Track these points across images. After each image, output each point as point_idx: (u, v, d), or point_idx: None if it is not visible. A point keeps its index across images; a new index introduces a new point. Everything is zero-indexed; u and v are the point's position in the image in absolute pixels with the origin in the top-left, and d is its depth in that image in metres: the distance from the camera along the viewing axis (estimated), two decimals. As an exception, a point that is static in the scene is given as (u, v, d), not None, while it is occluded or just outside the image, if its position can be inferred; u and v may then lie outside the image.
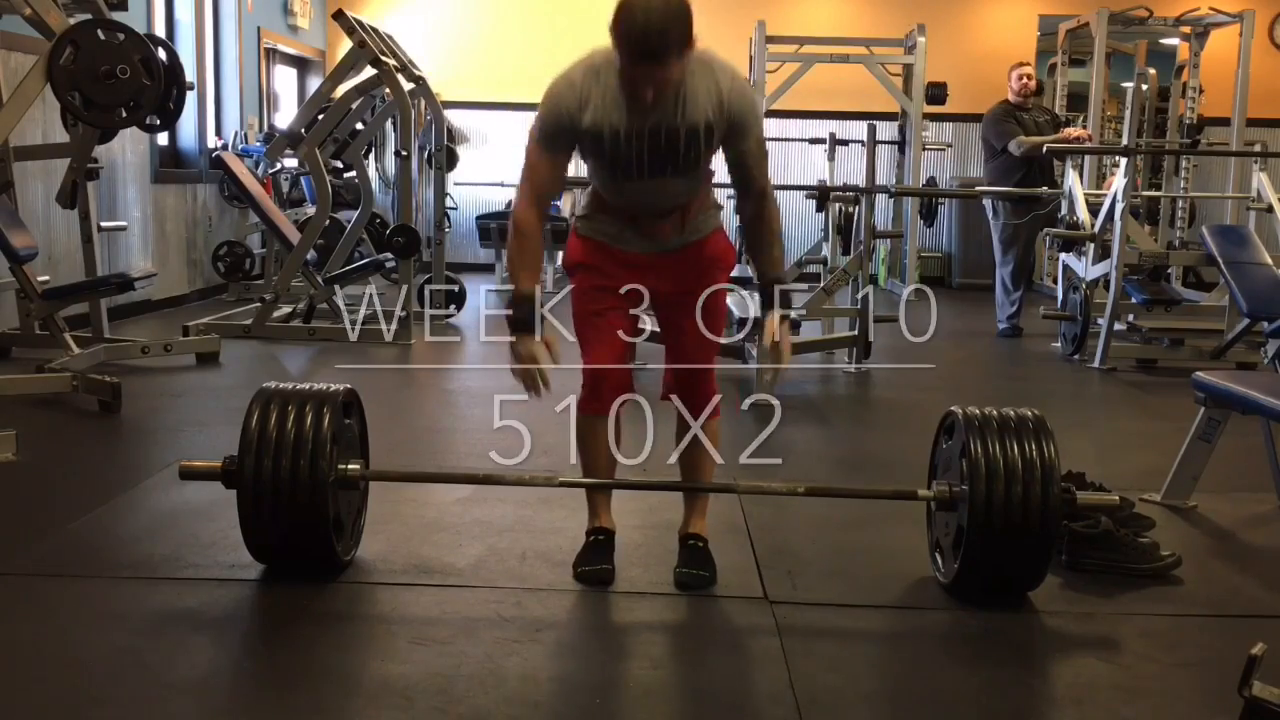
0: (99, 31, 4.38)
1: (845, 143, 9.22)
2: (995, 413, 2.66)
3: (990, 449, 2.57)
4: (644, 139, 2.54)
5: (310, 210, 7.89)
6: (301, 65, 10.62)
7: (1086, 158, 8.23)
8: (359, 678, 2.33)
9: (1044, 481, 2.54)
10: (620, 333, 2.78)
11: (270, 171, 8.32)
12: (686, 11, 2.42)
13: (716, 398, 2.84)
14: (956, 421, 2.67)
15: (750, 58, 9.53)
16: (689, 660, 2.51)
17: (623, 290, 2.74)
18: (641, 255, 2.73)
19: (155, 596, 2.70)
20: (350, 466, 2.71)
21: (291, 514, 2.58)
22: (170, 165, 8.05)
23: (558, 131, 2.58)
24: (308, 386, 2.71)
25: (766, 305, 2.68)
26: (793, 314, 2.73)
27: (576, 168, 2.89)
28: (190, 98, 5.34)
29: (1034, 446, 2.58)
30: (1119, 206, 6.09)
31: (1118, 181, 6.22)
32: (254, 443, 2.58)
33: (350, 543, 2.82)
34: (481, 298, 7.63)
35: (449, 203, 9.37)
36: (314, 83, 10.04)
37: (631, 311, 2.80)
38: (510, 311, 2.64)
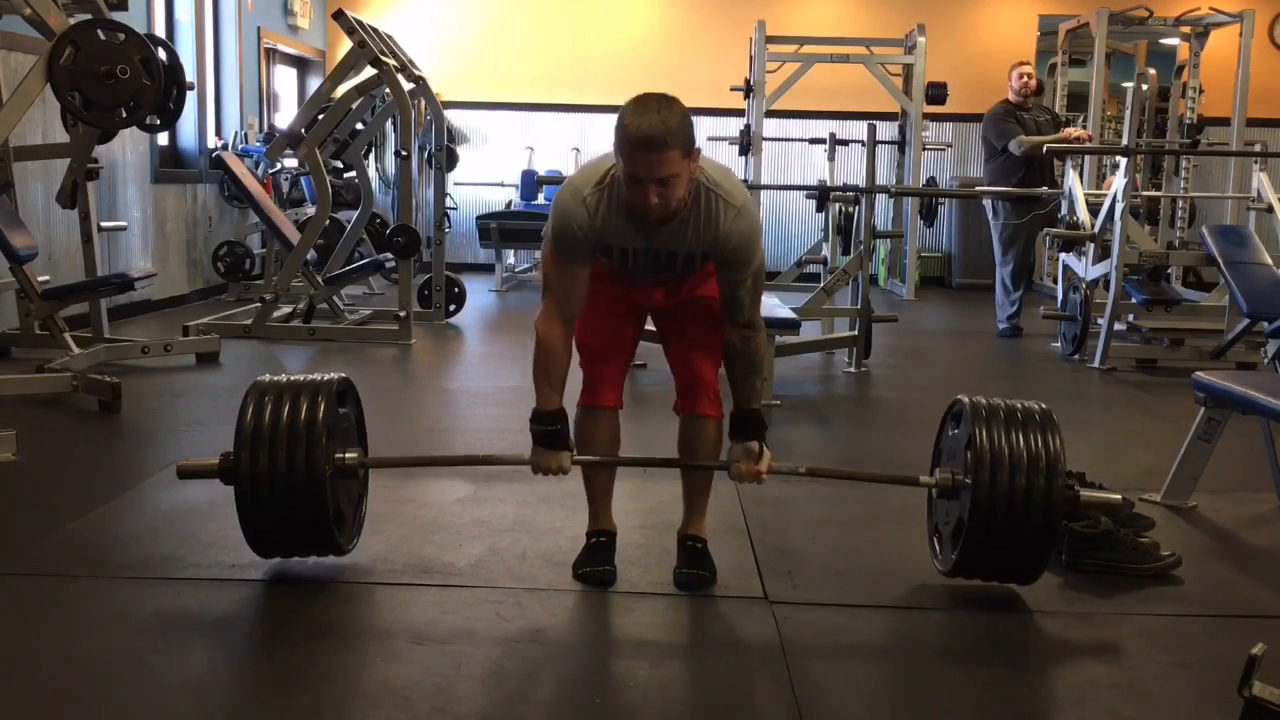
0: (99, 31, 4.38)
1: (845, 143, 9.21)
2: (1003, 403, 2.65)
3: (996, 439, 2.55)
4: (649, 257, 2.59)
5: (310, 210, 7.90)
6: (301, 65, 10.63)
7: (1086, 158, 8.23)
8: (359, 678, 2.32)
9: (1048, 475, 2.52)
10: (621, 332, 2.80)
11: (270, 171, 8.32)
12: (686, 112, 2.43)
13: (718, 418, 2.84)
14: (964, 410, 2.66)
15: (750, 58, 9.53)
16: (689, 660, 2.51)
17: (627, 296, 2.77)
18: (643, 289, 2.79)
19: (155, 596, 2.70)
20: (348, 455, 2.69)
21: (290, 507, 2.57)
22: (170, 165, 8.05)
23: (573, 247, 2.57)
24: (301, 377, 2.69)
25: (743, 435, 2.67)
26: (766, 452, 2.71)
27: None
28: (190, 98, 5.34)
29: (1040, 439, 2.56)
30: (1119, 206, 6.09)
31: (1118, 181, 6.22)
32: (249, 437, 2.57)
33: (352, 532, 2.82)
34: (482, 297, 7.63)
35: (449, 203, 9.38)
36: (314, 83, 10.05)
37: (635, 321, 2.84)
38: (536, 426, 2.67)
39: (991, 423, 2.58)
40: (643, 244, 2.57)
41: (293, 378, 2.70)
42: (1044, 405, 2.67)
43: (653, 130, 2.36)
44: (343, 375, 2.76)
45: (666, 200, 2.44)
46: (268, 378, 2.71)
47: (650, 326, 2.93)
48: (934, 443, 2.87)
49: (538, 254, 2.58)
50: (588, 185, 2.54)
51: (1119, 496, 2.78)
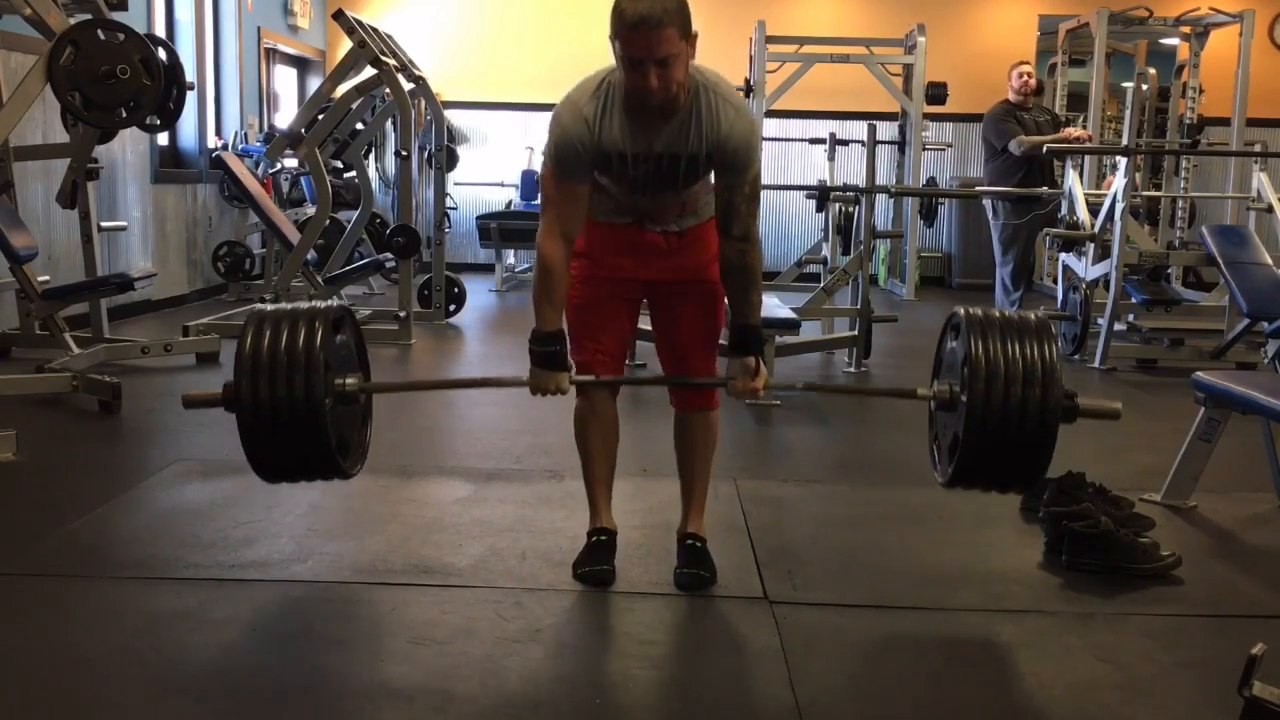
0: (99, 31, 4.38)
1: (845, 143, 9.21)
2: (999, 314, 2.60)
3: (991, 350, 2.49)
4: (649, 162, 2.55)
5: (310, 210, 7.90)
6: (301, 65, 10.63)
7: (1086, 158, 8.23)
8: (359, 678, 2.33)
9: (1044, 384, 2.46)
10: (616, 322, 2.79)
11: (270, 171, 8.32)
12: None
13: (713, 410, 2.84)
14: (960, 321, 2.61)
15: (750, 58, 9.53)
16: (689, 660, 2.51)
17: (624, 277, 2.74)
18: (644, 230, 2.72)
19: (155, 596, 2.70)
20: (348, 381, 2.65)
21: (292, 432, 2.54)
22: (170, 165, 8.05)
23: (572, 160, 2.55)
24: (300, 305, 2.66)
25: (741, 351, 2.66)
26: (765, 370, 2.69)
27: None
28: (190, 98, 5.34)
29: (1035, 349, 2.50)
30: (1119, 206, 6.09)
31: (1118, 181, 6.22)
32: (249, 365, 2.54)
33: (356, 457, 2.77)
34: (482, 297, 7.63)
35: (449, 203, 9.37)
36: (314, 83, 10.05)
37: (631, 304, 2.81)
38: (535, 347, 2.64)
39: (988, 333, 2.52)
40: (644, 147, 2.53)
41: (291, 305, 2.66)
42: (1040, 314, 2.62)
43: (649, 9, 2.35)
44: (341, 303, 2.72)
45: (667, 84, 2.42)
46: (267, 306, 2.68)
47: (645, 325, 2.92)
48: (934, 355, 2.81)
49: (543, 156, 2.56)
50: (584, 97, 2.53)
51: (1117, 405, 2.70)
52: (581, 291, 2.73)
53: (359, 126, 7.83)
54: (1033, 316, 2.60)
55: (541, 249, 2.60)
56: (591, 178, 2.60)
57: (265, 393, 2.51)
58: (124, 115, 4.49)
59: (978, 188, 7.60)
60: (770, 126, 9.69)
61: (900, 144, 10.04)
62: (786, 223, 10.78)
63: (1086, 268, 6.43)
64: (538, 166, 10.53)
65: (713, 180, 2.66)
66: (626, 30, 2.38)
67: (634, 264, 2.74)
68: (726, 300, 2.72)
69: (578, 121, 2.51)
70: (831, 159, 8.94)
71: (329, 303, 2.68)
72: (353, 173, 8.16)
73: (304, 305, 2.65)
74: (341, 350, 2.67)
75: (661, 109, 2.48)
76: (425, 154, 8.50)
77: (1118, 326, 6.28)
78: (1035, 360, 2.48)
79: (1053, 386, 2.47)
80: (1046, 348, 2.50)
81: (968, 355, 2.51)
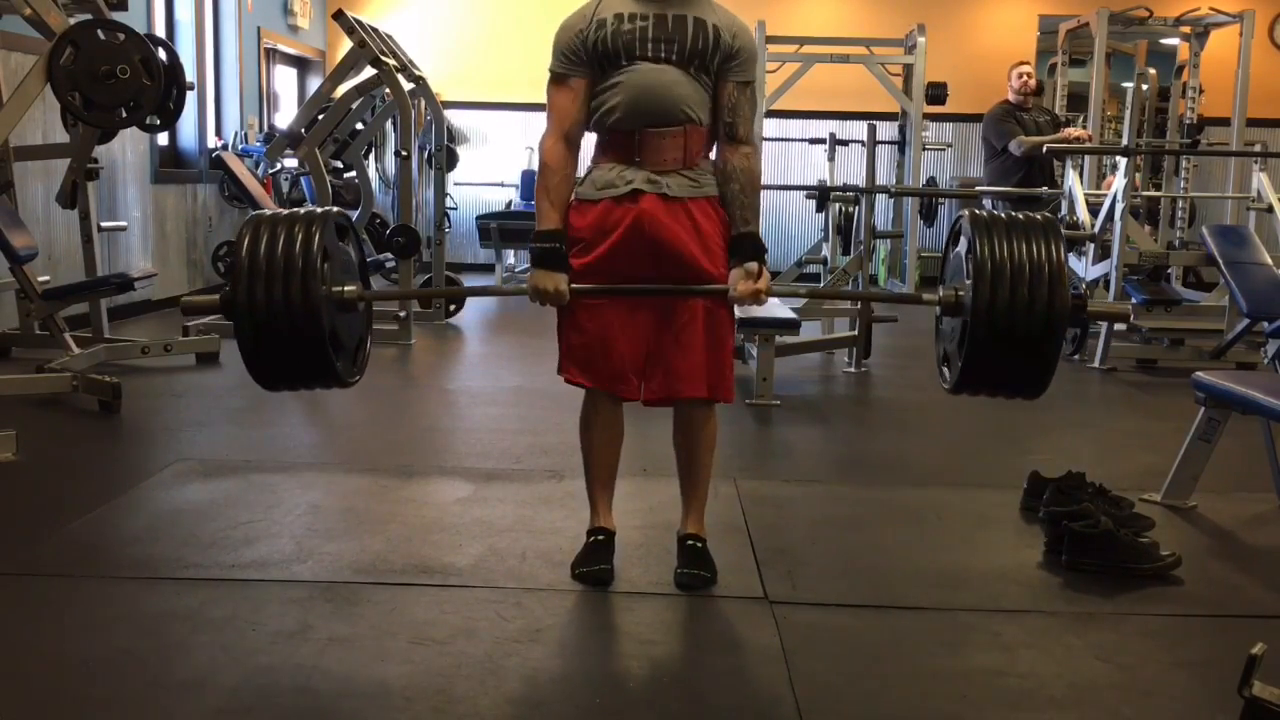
0: (99, 31, 4.39)
1: (845, 143, 9.22)
2: (1004, 214, 2.56)
3: (997, 249, 2.44)
4: (649, 19, 2.62)
5: (310, 210, 7.89)
6: (301, 65, 10.63)
7: (1086, 158, 8.22)
8: (359, 678, 2.32)
9: (1051, 283, 2.41)
10: (629, 331, 2.72)
11: (270, 171, 8.33)
12: None
13: (713, 406, 2.80)
14: (964, 224, 2.57)
15: (750, 58, 9.52)
16: (689, 660, 2.51)
17: (622, 276, 2.68)
18: (641, 200, 2.65)
19: (155, 596, 2.70)
20: (347, 288, 2.61)
21: (290, 335, 2.50)
22: (170, 165, 8.05)
23: (573, 48, 2.64)
24: (298, 210, 2.64)
25: (743, 256, 2.65)
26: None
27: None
28: (190, 98, 5.34)
29: (1042, 247, 2.44)
30: (1119, 206, 6.09)
31: (1118, 181, 6.22)
32: (245, 269, 2.50)
33: (355, 365, 2.74)
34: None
35: (449, 203, 9.38)
36: (314, 83, 10.05)
37: (637, 311, 2.77)
38: (535, 245, 2.66)
39: (992, 232, 2.47)
40: (645, 7, 2.61)
41: (289, 211, 2.63)
42: (1047, 214, 2.58)
43: None
44: (339, 209, 2.70)
45: None
46: (266, 211, 2.65)
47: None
48: (941, 259, 2.77)
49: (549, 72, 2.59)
50: None
51: (1128, 307, 2.66)
52: (587, 317, 2.69)
53: (359, 126, 7.83)
54: (1039, 215, 2.54)
55: (542, 147, 2.70)
56: (590, 71, 2.65)
57: (262, 296, 2.48)
58: (124, 115, 4.49)
59: (978, 188, 7.61)
60: (770, 127, 9.70)
61: (900, 144, 10.04)
62: (786, 223, 10.78)
63: (1086, 268, 6.43)
64: (537, 166, 10.53)
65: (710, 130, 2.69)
66: None
67: (634, 262, 2.67)
68: (727, 206, 2.70)
69: (576, 10, 2.67)
70: (831, 159, 8.95)
71: (328, 209, 2.66)
72: (353, 173, 8.16)
73: (302, 210, 2.62)
74: (340, 256, 2.64)
75: None
76: (425, 154, 8.49)
77: (1118, 326, 6.27)
78: (1042, 259, 2.42)
79: (1059, 286, 2.41)
80: (1053, 246, 2.45)
81: (972, 254, 2.46)
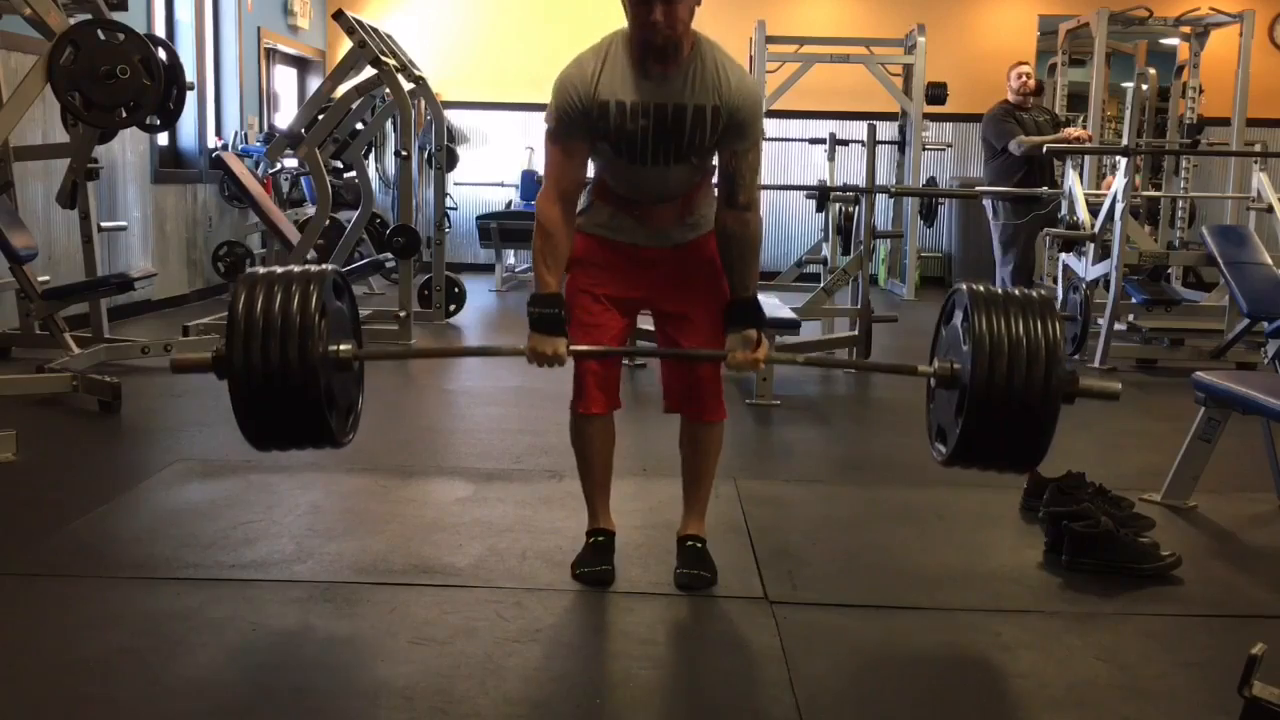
0: (99, 31, 4.38)
1: (845, 143, 9.22)
2: (1000, 290, 2.57)
3: (995, 325, 2.46)
4: (650, 115, 2.53)
5: (310, 210, 7.90)
6: (301, 65, 10.63)
7: (1086, 158, 8.22)
8: (359, 678, 2.33)
9: (1047, 361, 2.44)
10: (613, 334, 2.76)
11: (270, 171, 8.32)
12: None
13: (722, 421, 2.82)
14: (960, 297, 2.58)
15: (750, 58, 9.53)
16: (689, 660, 2.51)
17: (618, 295, 2.73)
18: (640, 249, 2.71)
19: (155, 596, 2.70)
20: (342, 347, 2.60)
21: (284, 399, 2.48)
22: (170, 165, 8.05)
23: (571, 117, 2.55)
24: (294, 268, 2.60)
25: (741, 323, 2.63)
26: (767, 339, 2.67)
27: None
28: (190, 98, 5.34)
29: (1039, 325, 2.47)
30: (1119, 206, 6.09)
31: (1118, 181, 6.22)
32: (242, 328, 2.47)
33: (348, 426, 2.72)
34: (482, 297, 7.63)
35: (449, 203, 9.38)
36: (314, 83, 10.05)
37: (626, 315, 2.80)
38: (533, 309, 2.61)
39: (990, 308, 2.49)
40: (645, 95, 2.52)
41: (285, 269, 2.59)
42: (1043, 292, 2.60)
43: None
44: (335, 267, 2.68)
45: (672, 21, 2.42)
46: (259, 269, 2.61)
47: (646, 325, 2.91)
48: (933, 336, 2.77)
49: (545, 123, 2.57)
50: (587, 52, 2.57)
51: (1117, 385, 2.69)
52: (577, 302, 2.71)
53: (359, 126, 7.83)
54: (1035, 293, 2.56)
55: (540, 210, 2.61)
56: (589, 136, 2.58)
57: (258, 357, 2.45)
58: (124, 115, 4.49)
59: (978, 188, 7.61)
60: (770, 126, 9.68)
61: (900, 144, 10.05)
62: (786, 223, 10.78)
63: (1086, 268, 6.43)
64: (538, 166, 10.54)
65: (716, 166, 2.65)
66: None
67: (633, 278, 2.73)
68: (726, 270, 2.69)
69: (578, 72, 2.54)
70: (831, 159, 8.95)
71: (323, 267, 2.63)
72: (353, 173, 8.16)
73: (297, 268, 2.59)
74: (336, 315, 2.62)
75: (665, 51, 2.48)
76: (425, 154, 8.50)
77: (1118, 326, 6.27)
78: (1038, 337, 2.45)
79: (1056, 364, 2.43)
80: (1050, 325, 2.47)
81: (970, 330, 2.47)
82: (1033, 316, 2.48)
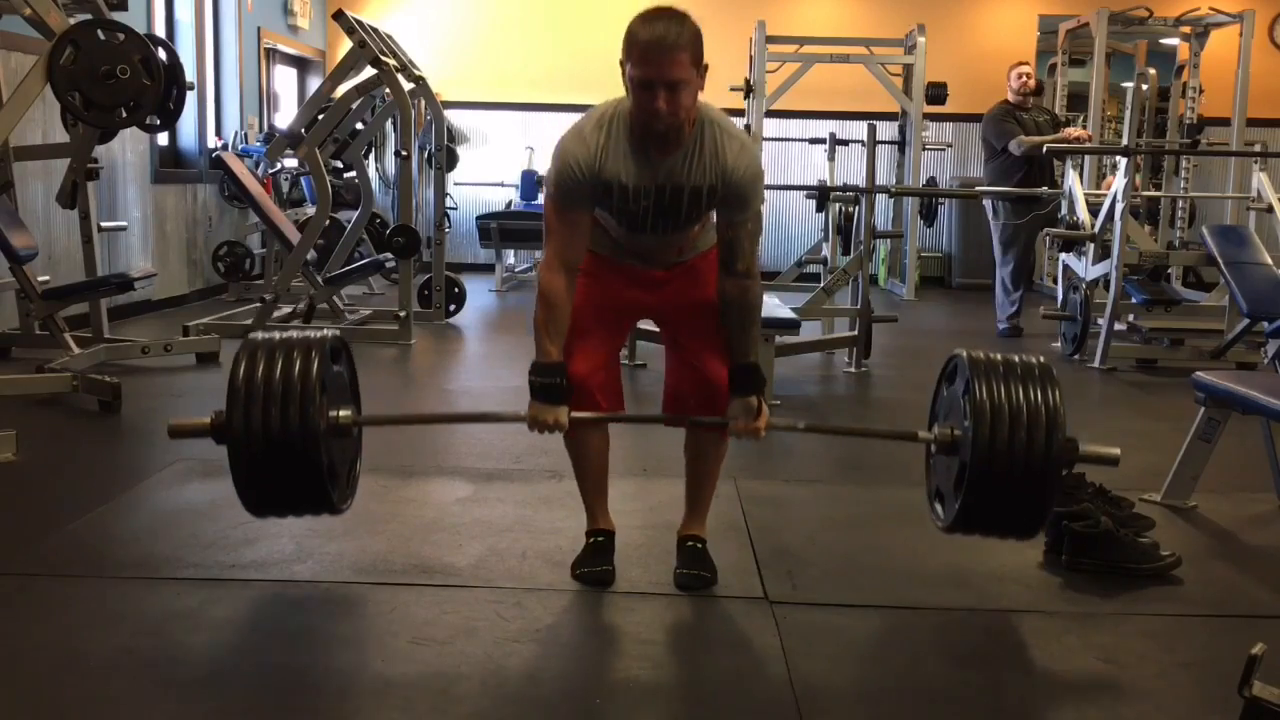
0: (99, 31, 4.38)
1: (845, 143, 9.22)
2: (1000, 357, 2.60)
3: (995, 392, 2.49)
4: (651, 195, 2.54)
5: (310, 210, 7.90)
6: (301, 65, 10.63)
7: (1086, 158, 8.23)
8: (359, 678, 2.32)
9: (1048, 428, 2.47)
10: (611, 344, 2.78)
11: (270, 171, 8.32)
12: (698, 28, 2.43)
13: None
14: (960, 364, 2.60)
15: (750, 58, 9.53)
16: (689, 660, 2.51)
17: (619, 305, 2.75)
18: (641, 270, 2.74)
19: (155, 596, 2.70)
20: (342, 413, 2.62)
21: (284, 466, 2.49)
22: (170, 165, 8.05)
23: (573, 188, 2.53)
24: (294, 334, 2.61)
25: (743, 391, 2.63)
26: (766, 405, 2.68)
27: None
28: (190, 98, 5.34)
29: (1039, 392, 2.51)
30: (1119, 206, 6.09)
31: (1118, 181, 6.22)
32: (242, 394, 2.49)
33: (346, 491, 2.74)
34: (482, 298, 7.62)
35: (449, 203, 9.38)
36: (314, 83, 10.05)
37: (625, 323, 2.82)
38: (535, 378, 2.60)
39: (990, 375, 2.52)
40: (647, 177, 2.52)
41: (285, 335, 2.61)
42: (1042, 359, 2.63)
43: (666, 32, 2.36)
44: (335, 333, 2.69)
45: (675, 109, 2.41)
46: (260, 334, 2.62)
47: (650, 326, 2.91)
48: (931, 400, 2.80)
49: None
50: (588, 124, 2.53)
51: (1116, 450, 2.72)
52: (577, 310, 2.69)
53: (359, 126, 7.83)
54: (1035, 359, 2.61)
55: (542, 279, 2.59)
56: (592, 206, 2.58)
57: (258, 423, 2.47)
58: (124, 115, 4.49)
59: (978, 188, 7.61)
60: (770, 126, 9.69)
61: (900, 144, 10.05)
62: (786, 223, 10.78)
63: (1086, 268, 6.43)
64: (538, 166, 10.55)
65: (715, 217, 2.65)
66: (639, 51, 2.38)
67: (634, 294, 2.76)
68: (725, 338, 2.69)
69: (580, 146, 2.51)
70: (831, 159, 8.95)
71: (323, 332, 2.65)
72: (353, 173, 8.16)
73: (297, 334, 2.60)
74: (336, 381, 2.64)
75: (666, 136, 2.47)
76: (425, 154, 8.49)
77: (1118, 326, 6.28)
78: (1039, 404, 2.49)
79: (1056, 431, 2.48)
80: (1049, 391, 2.52)
81: (970, 398, 2.51)
82: (1032, 383, 2.52)
